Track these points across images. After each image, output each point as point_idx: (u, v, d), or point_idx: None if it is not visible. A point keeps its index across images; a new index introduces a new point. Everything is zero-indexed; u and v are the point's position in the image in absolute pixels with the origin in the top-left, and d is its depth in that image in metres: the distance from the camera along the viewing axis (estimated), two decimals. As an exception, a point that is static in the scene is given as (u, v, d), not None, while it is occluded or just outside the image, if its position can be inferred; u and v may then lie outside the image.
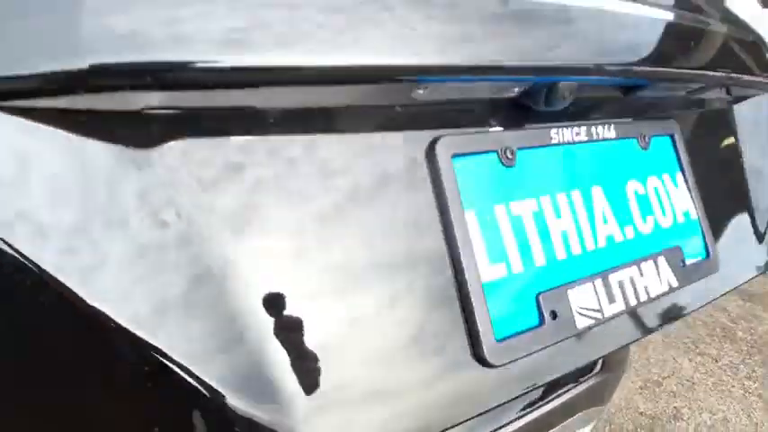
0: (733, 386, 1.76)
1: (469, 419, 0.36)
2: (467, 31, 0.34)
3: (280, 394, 0.29)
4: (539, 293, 0.40)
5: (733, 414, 1.63)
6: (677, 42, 0.51)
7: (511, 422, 0.59)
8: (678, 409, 1.65)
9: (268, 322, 0.29)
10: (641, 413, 1.63)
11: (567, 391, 0.69)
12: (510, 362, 0.37)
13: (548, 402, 0.65)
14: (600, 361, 0.78)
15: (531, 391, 0.41)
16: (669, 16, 0.51)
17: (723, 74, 0.55)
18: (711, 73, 0.54)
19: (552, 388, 0.68)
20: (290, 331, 0.30)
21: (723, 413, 1.64)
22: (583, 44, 0.41)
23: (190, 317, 0.27)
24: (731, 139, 0.68)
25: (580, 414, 0.74)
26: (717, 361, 1.91)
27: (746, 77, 0.58)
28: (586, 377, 0.74)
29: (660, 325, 0.51)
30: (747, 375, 1.82)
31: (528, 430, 0.61)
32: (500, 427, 0.58)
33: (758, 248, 0.67)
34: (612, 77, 0.47)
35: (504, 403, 0.38)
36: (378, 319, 0.34)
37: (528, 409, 0.62)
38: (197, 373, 0.27)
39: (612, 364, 0.81)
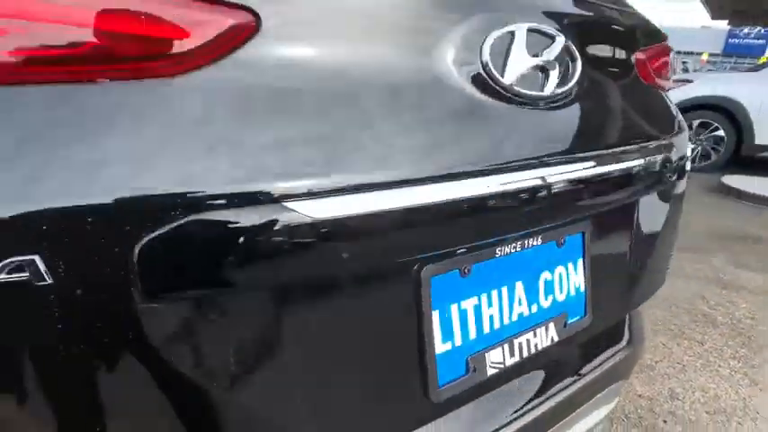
0: (720, 366, 2.03)
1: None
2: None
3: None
4: (468, 356, 0.64)
5: (722, 391, 1.87)
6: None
7: (551, 397, 0.77)
8: (673, 389, 1.87)
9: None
10: (640, 395, 1.82)
11: (600, 365, 0.88)
12: (446, 399, 0.61)
13: (581, 379, 0.83)
14: (627, 332, 1.00)
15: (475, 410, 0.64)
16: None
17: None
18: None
19: (585, 363, 0.86)
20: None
21: (714, 391, 1.87)
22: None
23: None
24: (629, 226, 0.92)
25: (609, 388, 0.92)
26: (702, 344, 2.20)
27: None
28: (615, 351, 0.92)
29: (543, 363, 0.76)
30: (731, 356, 2.11)
31: (563, 407, 0.79)
32: (541, 403, 0.76)
33: (623, 301, 0.95)
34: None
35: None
36: (365, 371, 0.56)
37: (562, 386, 0.80)
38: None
39: (636, 340, 1.01)
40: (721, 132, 5.76)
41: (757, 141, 5.60)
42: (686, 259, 3.17)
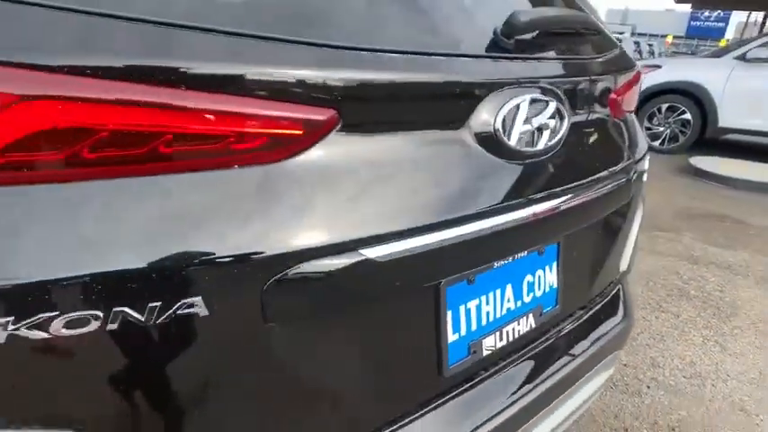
0: (694, 335, 2.26)
1: (432, 402, 0.80)
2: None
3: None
4: (469, 343, 0.83)
5: (697, 358, 2.11)
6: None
7: (562, 368, 0.97)
8: (654, 358, 2.09)
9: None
10: (625, 365, 2.02)
11: (601, 337, 1.05)
12: (452, 375, 0.81)
13: (586, 351, 1.01)
14: (622, 309, 1.19)
15: (475, 382, 0.85)
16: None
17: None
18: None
19: (588, 335, 1.03)
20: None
21: (689, 358, 2.10)
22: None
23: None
24: (595, 233, 1.11)
25: (609, 357, 1.10)
26: (678, 316, 2.43)
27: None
28: (613, 325, 1.10)
29: (525, 346, 0.96)
30: (704, 326, 2.36)
31: (573, 376, 0.97)
32: (552, 374, 0.96)
33: (585, 292, 1.14)
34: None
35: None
36: (400, 356, 0.75)
37: (572, 358, 0.99)
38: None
39: (629, 313, 1.20)
40: (688, 116, 6.08)
41: (720, 124, 5.93)
42: (660, 237, 3.43)
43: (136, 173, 0.50)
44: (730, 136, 6.27)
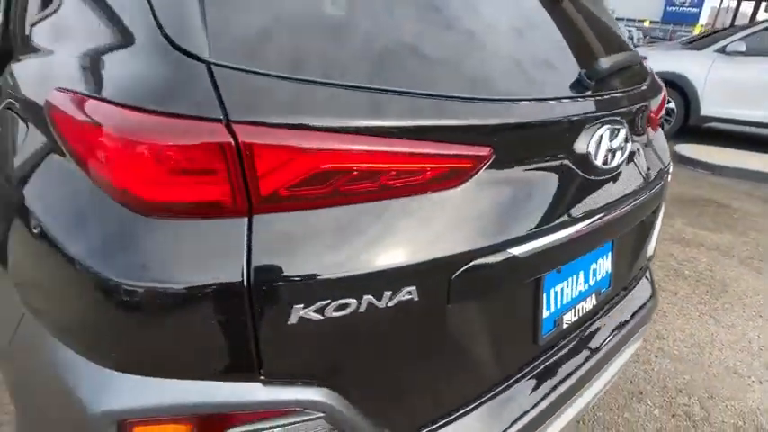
0: (691, 311, 2.56)
1: (525, 368, 1.03)
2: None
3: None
4: (555, 318, 1.06)
5: (695, 330, 2.40)
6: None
7: (613, 337, 1.22)
8: (659, 331, 2.37)
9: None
10: None
11: (638, 312, 1.31)
12: (544, 343, 1.03)
13: (627, 324, 1.25)
14: (651, 288, 1.46)
15: (556, 349, 1.08)
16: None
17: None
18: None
19: (628, 310, 1.28)
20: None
21: (689, 330, 2.39)
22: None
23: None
24: (636, 226, 1.35)
25: (640, 330, 1.34)
26: (676, 294, 2.73)
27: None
28: (645, 301, 1.36)
29: (588, 320, 1.20)
30: (699, 302, 2.66)
31: (618, 344, 1.22)
32: (607, 341, 1.19)
33: (628, 275, 1.39)
34: None
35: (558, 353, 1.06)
36: (508, 329, 0.97)
37: (619, 329, 1.24)
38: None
39: (656, 293, 1.47)
40: (672, 105, 6.41)
41: (703, 113, 6.28)
42: (654, 225, 3.72)
43: (371, 199, 0.69)
44: (712, 124, 6.63)
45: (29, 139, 0.80)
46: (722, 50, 6.17)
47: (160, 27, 0.64)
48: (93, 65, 0.70)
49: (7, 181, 0.83)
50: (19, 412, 0.88)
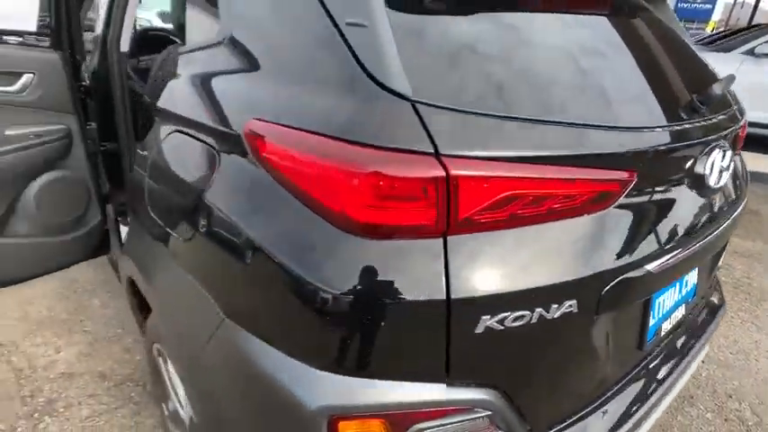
0: (733, 317, 2.62)
1: (631, 372, 1.11)
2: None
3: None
4: (657, 326, 1.13)
5: (739, 336, 2.48)
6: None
7: (689, 348, 1.30)
8: None
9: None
10: None
11: (713, 320, 1.41)
12: (647, 348, 1.11)
13: (706, 331, 1.36)
14: (720, 296, 1.56)
15: (653, 355, 1.16)
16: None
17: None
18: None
19: (705, 318, 1.39)
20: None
21: (732, 337, 2.48)
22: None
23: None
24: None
25: (711, 334, 1.43)
26: None
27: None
28: (719, 307, 1.47)
29: (678, 328, 1.27)
30: (739, 309, 2.71)
31: (697, 349, 1.31)
32: (692, 346, 1.29)
33: (707, 286, 1.47)
34: None
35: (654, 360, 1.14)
36: (621, 336, 1.05)
37: (693, 340, 1.33)
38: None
39: (724, 300, 1.56)
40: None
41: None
42: (687, 231, 3.78)
43: (539, 221, 0.77)
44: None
45: (223, 167, 0.88)
46: (750, 52, 6.16)
47: (364, 68, 0.71)
48: (295, 99, 0.78)
49: (195, 206, 0.91)
50: (205, 415, 0.97)
